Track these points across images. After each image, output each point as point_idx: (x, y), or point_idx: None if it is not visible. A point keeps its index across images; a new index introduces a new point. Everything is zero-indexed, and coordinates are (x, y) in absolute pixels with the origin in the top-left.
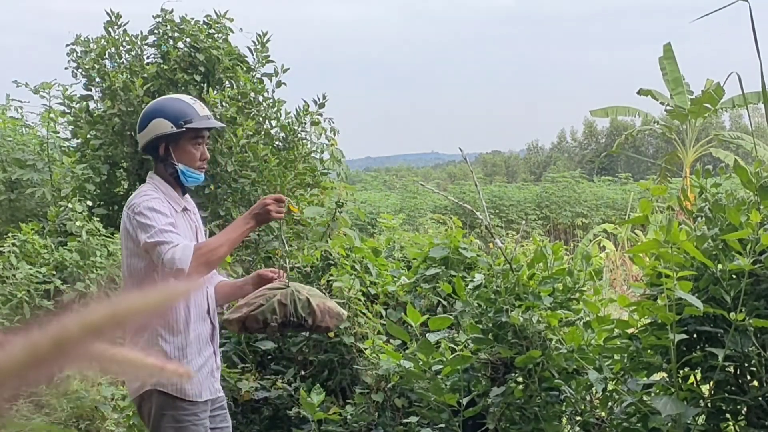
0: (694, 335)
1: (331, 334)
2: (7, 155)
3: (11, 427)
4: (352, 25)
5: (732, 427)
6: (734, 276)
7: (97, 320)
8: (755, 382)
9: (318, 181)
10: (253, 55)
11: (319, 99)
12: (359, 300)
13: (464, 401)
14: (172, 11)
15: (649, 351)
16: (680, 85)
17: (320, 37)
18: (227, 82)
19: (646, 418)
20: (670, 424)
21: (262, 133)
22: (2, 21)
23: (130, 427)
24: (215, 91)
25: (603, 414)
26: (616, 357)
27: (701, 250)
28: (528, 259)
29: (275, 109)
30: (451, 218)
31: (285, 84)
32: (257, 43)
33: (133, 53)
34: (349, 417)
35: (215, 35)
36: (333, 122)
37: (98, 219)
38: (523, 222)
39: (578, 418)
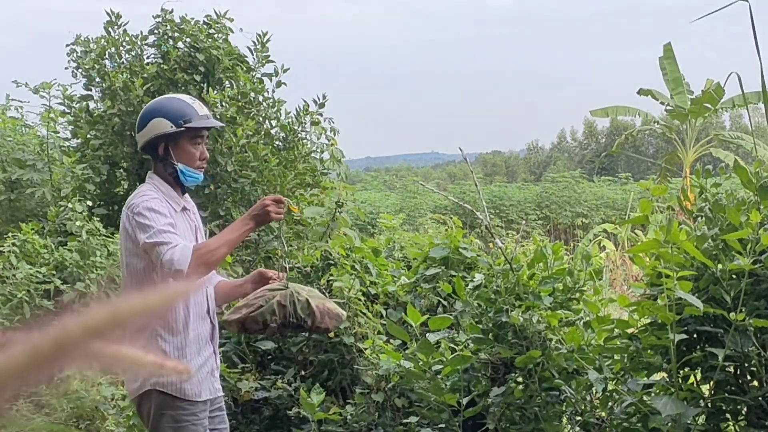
0: (694, 335)
1: (332, 334)
2: (7, 155)
3: (12, 427)
4: (352, 25)
5: (732, 427)
6: (734, 276)
7: (98, 322)
8: (755, 382)
9: (318, 181)
10: (253, 55)
11: (319, 99)
12: (359, 300)
13: (464, 401)
14: (172, 11)
15: (649, 351)
16: (680, 85)
17: (320, 37)
18: (227, 82)
19: (646, 418)
20: (670, 424)
21: (262, 133)
22: (2, 21)
23: (130, 427)
24: (215, 91)
25: (603, 414)
26: (616, 357)
27: (701, 250)
28: (528, 259)
29: (275, 109)
30: (451, 218)
31: (285, 84)
32: (257, 43)
33: (133, 53)
34: (349, 417)
35: (215, 35)
36: (333, 122)
37: (98, 219)
38: (523, 222)
39: (578, 418)
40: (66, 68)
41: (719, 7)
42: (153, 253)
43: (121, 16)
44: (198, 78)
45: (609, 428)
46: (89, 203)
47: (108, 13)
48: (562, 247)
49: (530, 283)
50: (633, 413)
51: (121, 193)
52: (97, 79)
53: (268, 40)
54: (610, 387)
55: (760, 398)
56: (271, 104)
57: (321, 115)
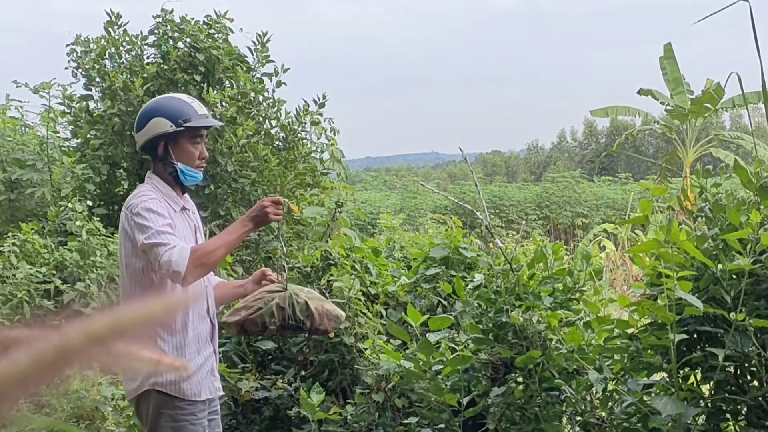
0: (694, 335)
1: (332, 335)
2: (7, 155)
3: (12, 427)
4: (353, 25)
5: (732, 427)
6: (734, 276)
7: (100, 329)
8: (755, 382)
9: (318, 181)
10: (253, 55)
11: (319, 99)
12: (359, 300)
13: (464, 401)
14: (172, 11)
15: (649, 351)
16: (680, 85)
17: (320, 37)
18: (227, 82)
19: (646, 418)
20: (670, 424)
21: (262, 133)
22: (2, 21)
23: (131, 427)
24: (215, 91)
25: (603, 414)
26: (616, 357)
27: (701, 250)
28: (528, 259)
29: (275, 109)
30: (451, 218)
31: (285, 84)
32: (257, 43)
33: (133, 53)
34: (349, 417)
35: (215, 35)
36: (333, 122)
37: (98, 219)
38: (523, 222)
39: (578, 418)
40: (66, 68)
41: (720, 7)
42: (151, 254)
43: (121, 16)
44: (198, 78)
45: (609, 428)
46: (89, 203)
47: (108, 13)
48: (562, 247)
49: (530, 283)
50: (633, 413)
51: (121, 193)
52: (97, 79)
53: (268, 40)
54: (610, 387)
55: (760, 398)
56: (271, 104)
57: (321, 115)
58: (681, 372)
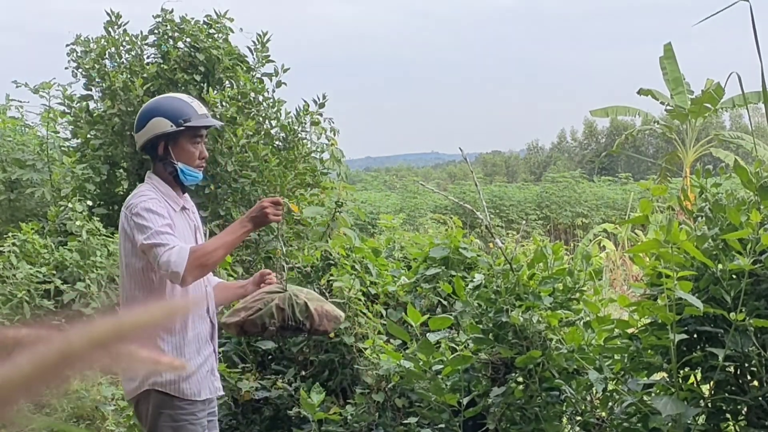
0: (694, 335)
1: (332, 335)
2: (7, 155)
3: (12, 427)
4: (353, 25)
5: (732, 427)
6: (734, 276)
7: (102, 334)
8: (755, 382)
9: (318, 181)
10: (253, 55)
11: (319, 99)
12: (359, 300)
13: (464, 401)
14: (172, 11)
15: (649, 351)
16: (680, 85)
17: (320, 37)
18: (227, 82)
19: (646, 418)
20: (670, 424)
21: (262, 133)
22: (2, 21)
23: (131, 427)
24: (215, 91)
25: (603, 414)
26: (616, 357)
27: (701, 250)
28: (528, 259)
29: (275, 109)
30: (451, 218)
31: (285, 84)
32: (257, 43)
33: (133, 53)
34: (349, 417)
35: (215, 35)
36: (333, 122)
37: (98, 219)
38: (524, 222)
39: (578, 418)
40: (66, 68)
41: (721, 8)
42: (150, 254)
43: (121, 16)
44: (198, 78)
45: (609, 428)
46: (89, 203)
47: (108, 13)
48: (562, 247)
49: (530, 283)
50: (633, 413)
51: (121, 193)
52: (97, 79)
53: (268, 40)
54: (610, 387)
55: (760, 398)
56: (271, 104)
57: (321, 115)
58: (681, 372)
